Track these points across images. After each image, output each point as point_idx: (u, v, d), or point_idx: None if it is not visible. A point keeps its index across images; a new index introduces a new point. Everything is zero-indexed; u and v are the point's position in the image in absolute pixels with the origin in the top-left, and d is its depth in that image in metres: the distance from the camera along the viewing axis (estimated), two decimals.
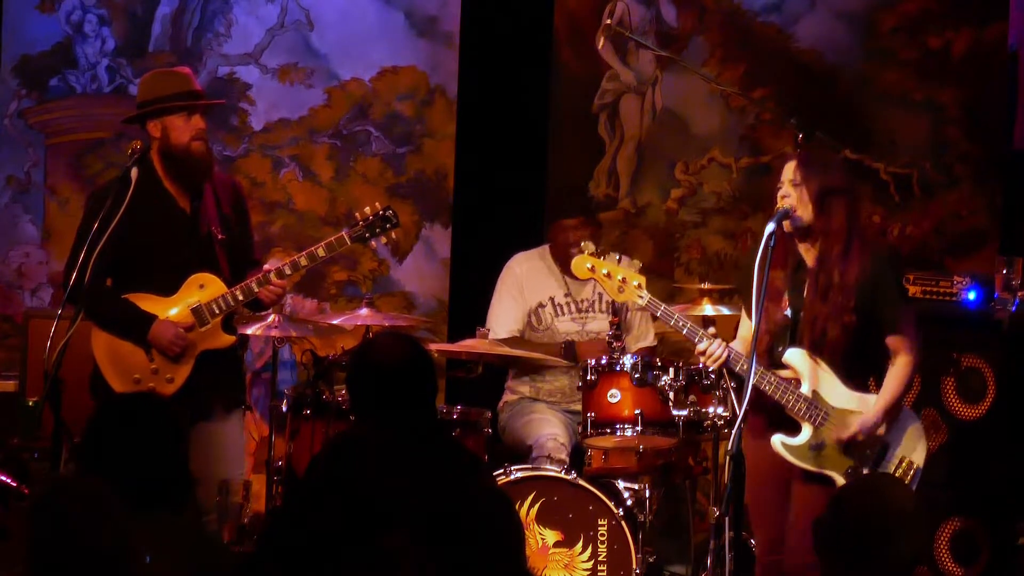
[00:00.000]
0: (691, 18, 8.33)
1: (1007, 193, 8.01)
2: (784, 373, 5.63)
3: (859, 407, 5.63)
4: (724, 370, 6.03)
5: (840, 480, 5.60)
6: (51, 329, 5.73)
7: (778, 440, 5.63)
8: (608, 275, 5.74)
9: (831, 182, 5.64)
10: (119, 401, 4.91)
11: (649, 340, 7.26)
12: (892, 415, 5.67)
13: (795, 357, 5.65)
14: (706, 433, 6.51)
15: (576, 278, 6.58)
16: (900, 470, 5.66)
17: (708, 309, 6.80)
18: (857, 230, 5.67)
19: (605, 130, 8.42)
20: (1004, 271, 6.76)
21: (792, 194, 5.59)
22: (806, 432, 5.63)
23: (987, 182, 8.08)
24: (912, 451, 5.70)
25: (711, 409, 6.42)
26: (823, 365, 5.63)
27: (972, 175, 8.08)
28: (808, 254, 5.68)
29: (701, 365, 6.39)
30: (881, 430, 5.65)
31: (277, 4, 8.45)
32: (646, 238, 8.32)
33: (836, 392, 5.64)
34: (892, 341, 5.68)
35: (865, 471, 5.63)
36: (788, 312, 5.67)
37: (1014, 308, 6.72)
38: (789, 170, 5.63)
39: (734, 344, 5.68)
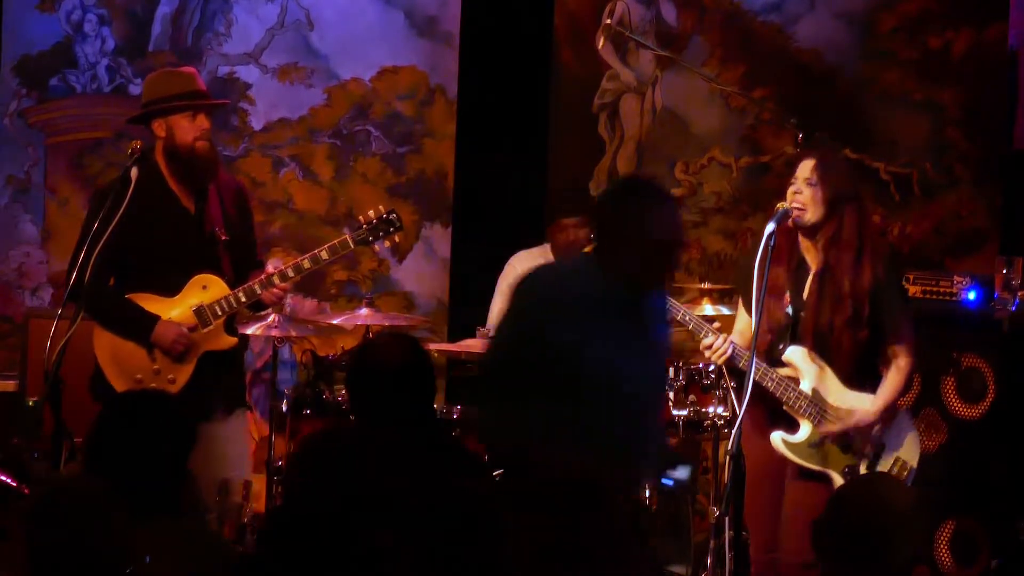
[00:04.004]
0: (691, 18, 8.33)
1: (1007, 193, 8.01)
2: (784, 371, 5.65)
3: (857, 406, 5.66)
4: (724, 369, 6.04)
5: (837, 478, 5.63)
6: (51, 329, 5.73)
7: (778, 437, 5.65)
8: None
9: (845, 187, 5.66)
10: (128, 400, 4.91)
11: None
12: (889, 416, 5.69)
13: (795, 355, 5.66)
14: (706, 433, 6.51)
15: None
16: (895, 470, 5.69)
17: (708, 309, 6.80)
18: (866, 238, 5.68)
19: (605, 130, 8.42)
20: (1004, 271, 6.77)
21: (806, 192, 5.60)
22: (805, 429, 5.65)
23: (987, 182, 8.08)
24: (907, 452, 5.74)
25: (711, 409, 6.42)
26: (823, 364, 5.65)
27: (972, 175, 8.08)
28: (809, 253, 5.69)
29: (703, 364, 6.41)
30: (878, 429, 5.68)
31: (277, 4, 8.45)
32: None
33: (835, 391, 5.66)
34: (894, 348, 5.70)
35: (863, 469, 5.65)
36: (789, 310, 5.68)
37: (1014, 308, 6.73)
38: (806, 168, 5.63)
39: (732, 338, 5.69)
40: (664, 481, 4.98)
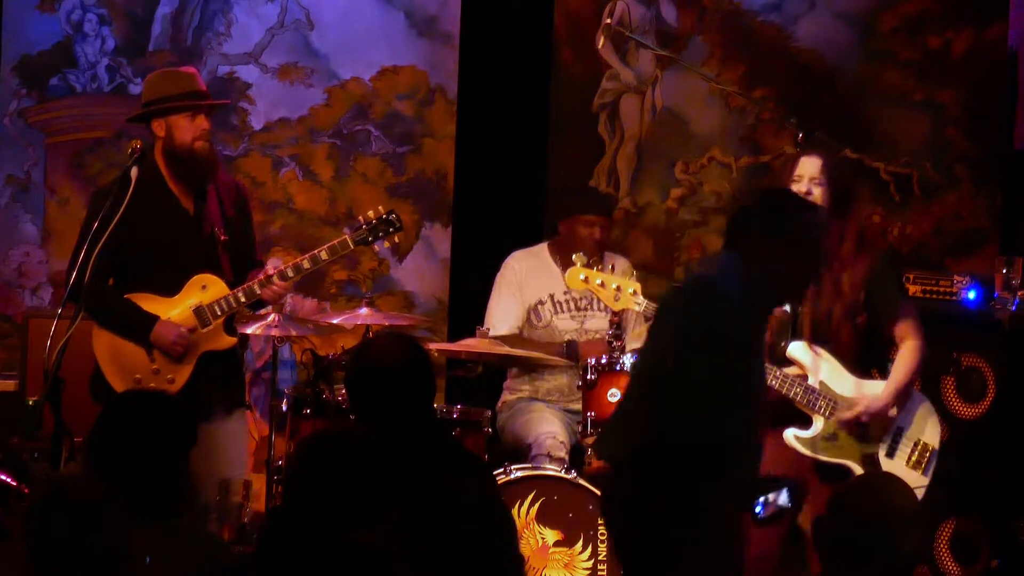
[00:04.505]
0: (691, 18, 8.33)
1: (1007, 193, 8.02)
2: (789, 369, 5.65)
3: (868, 392, 5.67)
4: None
5: (857, 468, 5.63)
6: (51, 329, 5.73)
7: (791, 434, 5.66)
8: (602, 285, 5.77)
9: (848, 185, 5.72)
10: (131, 399, 4.90)
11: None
12: (901, 398, 5.70)
13: (798, 350, 5.67)
14: None
15: None
16: (916, 453, 5.69)
17: None
18: (865, 232, 5.74)
19: (605, 129, 8.42)
20: (1004, 271, 6.77)
21: (816, 192, 5.63)
22: (818, 424, 5.66)
23: (987, 182, 8.08)
24: (926, 433, 5.73)
25: None
26: (827, 355, 5.66)
27: (972, 175, 8.09)
28: None
29: None
30: (893, 412, 5.67)
31: (277, 3, 8.45)
32: (646, 237, 8.33)
33: (842, 380, 5.67)
34: (899, 329, 5.72)
35: (882, 455, 5.65)
36: (787, 306, 5.70)
37: (1014, 308, 6.73)
38: (813, 168, 5.65)
39: None
40: (757, 510, 4.87)
